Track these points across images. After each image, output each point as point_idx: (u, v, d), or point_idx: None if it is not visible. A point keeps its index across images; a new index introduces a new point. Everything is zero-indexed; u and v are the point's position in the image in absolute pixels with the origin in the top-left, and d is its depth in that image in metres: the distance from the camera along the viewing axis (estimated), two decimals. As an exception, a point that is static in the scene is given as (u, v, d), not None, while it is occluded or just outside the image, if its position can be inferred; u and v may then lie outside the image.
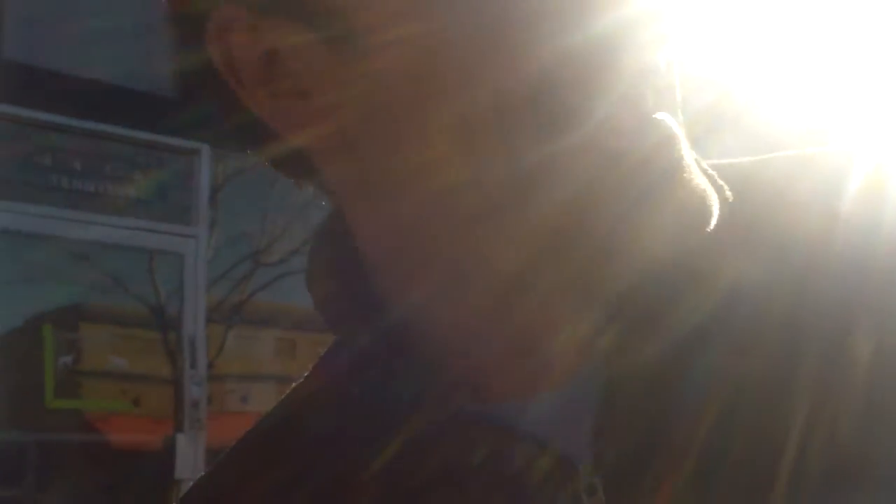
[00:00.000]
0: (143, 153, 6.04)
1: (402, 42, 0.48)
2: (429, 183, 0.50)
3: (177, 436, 5.81)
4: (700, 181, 0.50)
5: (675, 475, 0.49)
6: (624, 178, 0.48)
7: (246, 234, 6.52)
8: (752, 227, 0.52)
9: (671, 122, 0.49)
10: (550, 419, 0.52)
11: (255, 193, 6.35)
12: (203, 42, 0.51)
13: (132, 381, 6.16)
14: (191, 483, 0.62)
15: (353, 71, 0.49)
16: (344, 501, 0.55)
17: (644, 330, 0.51)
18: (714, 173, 0.51)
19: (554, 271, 0.51)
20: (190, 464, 5.68)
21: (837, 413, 0.48)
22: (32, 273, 5.79)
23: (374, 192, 0.53)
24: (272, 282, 6.52)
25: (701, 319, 0.51)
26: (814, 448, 0.48)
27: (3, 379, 5.57)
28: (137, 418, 6.15)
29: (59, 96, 5.56)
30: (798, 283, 0.51)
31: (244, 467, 0.60)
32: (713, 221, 0.50)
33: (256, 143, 0.54)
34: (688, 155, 0.50)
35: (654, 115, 0.48)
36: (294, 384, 0.62)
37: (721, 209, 0.50)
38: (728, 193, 0.51)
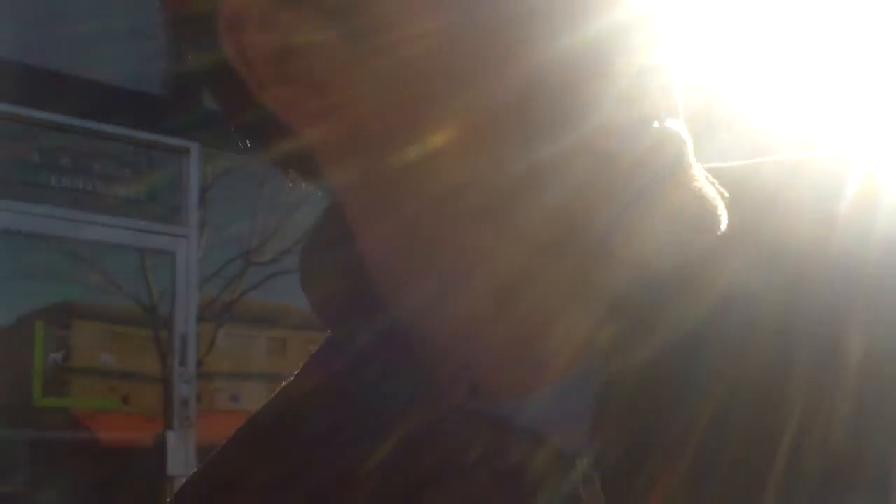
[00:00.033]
0: (134, 152, 6.02)
1: (408, 40, 0.48)
2: (426, 183, 0.51)
3: (167, 433, 5.80)
4: (699, 183, 0.50)
5: (671, 474, 0.49)
6: (617, 181, 0.48)
7: (237, 233, 6.51)
8: (744, 231, 0.52)
9: (670, 123, 0.49)
10: (547, 415, 0.52)
11: (246, 193, 6.34)
12: (210, 40, 0.51)
13: (122, 378, 6.15)
14: (184, 479, 0.63)
15: (367, 67, 0.49)
16: (340, 498, 0.55)
17: (640, 330, 0.51)
18: (709, 176, 0.52)
19: (550, 272, 0.51)
20: (181, 461, 5.68)
21: (830, 416, 0.48)
22: (24, 271, 5.77)
23: (376, 191, 0.53)
24: (263, 281, 6.51)
25: (695, 322, 0.51)
26: (807, 450, 0.48)
27: (-7, 376, 5.56)
28: (127, 416, 6.14)
29: (52, 95, 5.55)
30: (790, 288, 0.52)
31: (239, 464, 0.60)
32: (717, 222, 0.50)
33: (261, 141, 0.55)
34: (687, 156, 0.50)
35: (649, 117, 0.49)
36: (284, 383, 0.62)
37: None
38: (725, 196, 0.51)
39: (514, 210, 0.50)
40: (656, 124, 0.49)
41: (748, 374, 0.50)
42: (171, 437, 5.78)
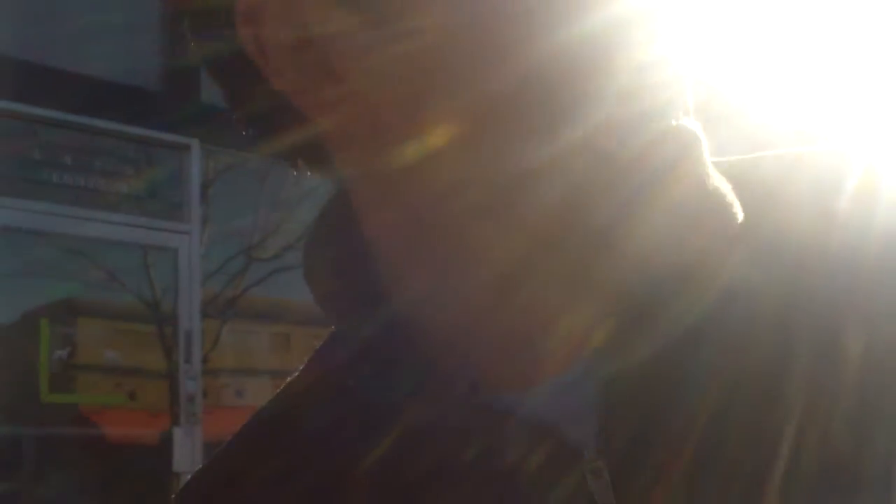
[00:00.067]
0: (134, 148, 6.03)
1: (416, 31, 0.48)
2: (427, 176, 0.51)
3: (173, 429, 5.81)
4: (704, 179, 0.50)
5: (674, 468, 0.49)
6: (617, 175, 0.48)
7: (239, 229, 6.51)
8: (744, 226, 0.52)
9: (684, 120, 0.49)
10: (550, 408, 0.52)
11: (247, 189, 6.35)
12: (219, 30, 0.51)
13: (128, 375, 6.15)
14: (189, 476, 0.63)
15: (384, 54, 0.49)
16: (340, 494, 0.55)
17: (641, 324, 0.51)
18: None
19: (550, 265, 0.51)
20: (188, 457, 5.69)
21: (831, 411, 0.48)
22: (28, 268, 5.78)
23: (380, 181, 0.53)
24: (266, 277, 6.51)
25: (696, 316, 0.51)
26: (808, 445, 0.48)
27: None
28: (133, 412, 6.14)
29: (51, 92, 5.55)
30: (790, 282, 0.51)
31: (241, 461, 0.61)
32: (724, 219, 0.50)
33: (269, 130, 0.55)
34: (694, 151, 0.50)
35: (649, 112, 0.49)
36: (289, 378, 0.63)
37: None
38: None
39: (515, 204, 0.50)
40: (657, 119, 0.49)
41: (748, 369, 0.50)
42: (177, 434, 5.79)
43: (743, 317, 0.51)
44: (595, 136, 0.47)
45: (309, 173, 0.57)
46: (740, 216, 0.51)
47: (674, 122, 0.50)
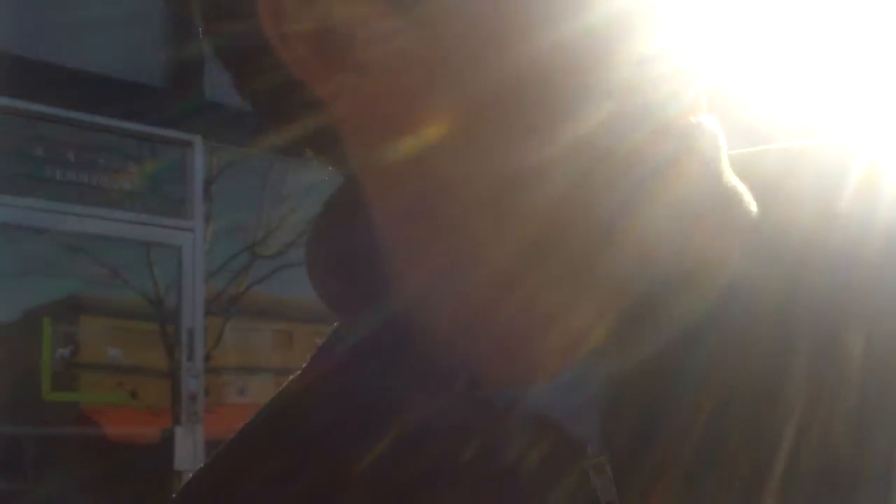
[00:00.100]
0: (136, 145, 6.03)
1: (436, 19, 0.48)
2: (428, 171, 0.51)
3: (175, 428, 5.82)
4: (711, 174, 0.50)
5: (675, 465, 0.49)
6: (617, 171, 0.48)
7: (242, 226, 6.52)
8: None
9: (676, 112, 0.49)
10: (551, 404, 0.52)
11: (250, 185, 6.36)
12: (235, 15, 0.51)
13: (130, 373, 6.16)
14: (191, 474, 0.63)
15: (406, 41, 0.49)
16: (340, 493, 0.55)
17: (643, 321, 0.51)
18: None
19: (550, 263, 0.51)
20: (189, 456, 5.69)
21: (831, 407, 0.48)
22: (29, 266, 5.79)
23: (384, 175, 0.53)
24: (270, 274, 6.52)
25: (698, 312, 0.51)
26: (808, 442, 0.47)
27: (1, 372, 5.57)
28: (135, 411, 6.16)
29: (53, 87, 5.56)
30: (791, 278, 0.51)
31: (240, 459, 0.61)
32: (732, 214, 0.50)
33: (281, 118, 0.54)
34: (697, 146, 0.50)
35: (649, 106, 0.48)
36: (291, 377, 0.62)
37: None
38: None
39: (515, 199, 0.49)
40: (658, 113, 0.49)
41: (749, 365, 0.50)
42: (179, 432, 5.80)
43: (744, 311, 0.51)
44: (596, 131, 0.47)
45: (315, 164, 0.57)
46: (753, 211, 0.51)
47: (676, 116, 0.49)
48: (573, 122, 0.47)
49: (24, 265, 5.77)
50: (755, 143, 0.59)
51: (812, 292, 0.51)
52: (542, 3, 0.47)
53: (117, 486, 5.73)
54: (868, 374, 0.49)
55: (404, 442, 0.53)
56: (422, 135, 0.50)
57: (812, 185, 0.54)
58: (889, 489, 0.47)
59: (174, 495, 0.62)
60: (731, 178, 0.51)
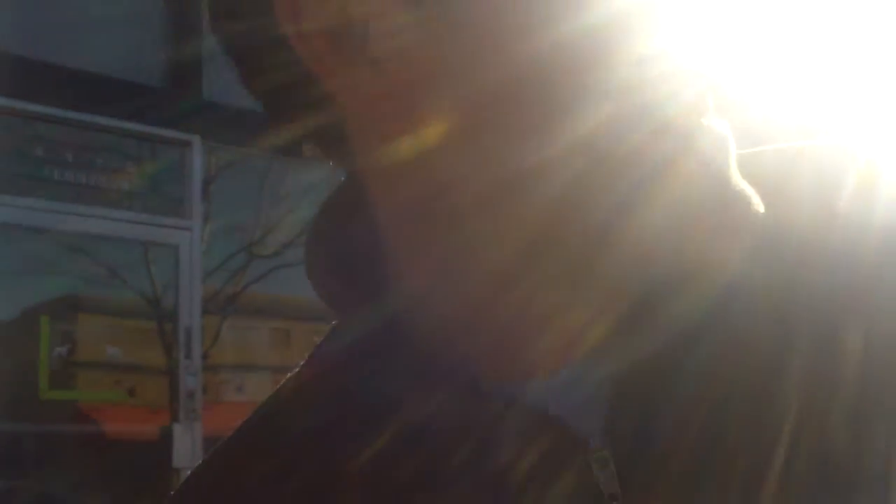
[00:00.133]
0: (135, 144, 6.03)
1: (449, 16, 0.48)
2: (427, 170, 0.51)
3: (173, 426, 5.82)
4: (713, 173, 0.50)
5: (676, 460, 0.49)
6: (615, 171, 0.48)
7: (240, 225, 6.51)
8: None
9: (675, 112, 0.49)
10: (551, 400, 0.52)
11: (248, 185, 6.35)
12: (245, 10, 0.51)
13: (128, 371, 6.16)
14: (189, 472, 0.63)
15: (422, 36, 0.49)
16: (338, 491, 0.55)
17: (641, 321, 0.51)
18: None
19: (548, 263, 0.51)
20: (188, 453, 5.69)
21: (830, 405, 0.48)
22: (28, 265, 5.78)
23: (385, 173, 0.53)
24: (267, 273, 6.52)
25: (697, 311, 0.51)
26: (806, 440, 0.48)
27: (-1, 370, 5.57)
28: (133, 409, 6.15)
29: (52, 87, 5.55)
30: (790, 277, 0.51)
31: (238, 457, 0.61)
32: (734, 213, 0.50)
33: (287, 113, 0.54)
34: (698, 146, 0.50)
35: (648, 107, 0.49)
36: (289, 374, 0.62)
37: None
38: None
39: (514, 199, 0.50)
40: (657, 113, 0.49)
41: (748, 363, 0.50)
42: (177, 430, 5.80)
43: (743, 311, 0.51)
44: (595, 131, 0.47)
45: (313, 165, 0.57)
46: (759, 214, 0.51)
47: (675, 116, 0.49)
48: (572, 122, 0.47)
49: (22, 264, 5.76)
50: (754, 144, 0.59)
51: (811, 292, 0.51)
52: (541, 3, 0.47)
53: (116, 483, 5.73)
54: (866, 372, 0.49)
55: (403, 440, 0.53)
56: (422, 134, 0.50)
57: (810, 186, 0.54)
58: (887, 487, 0.47)
59: (172, 492, 0.62)
60: (739, 181, 0.51)
